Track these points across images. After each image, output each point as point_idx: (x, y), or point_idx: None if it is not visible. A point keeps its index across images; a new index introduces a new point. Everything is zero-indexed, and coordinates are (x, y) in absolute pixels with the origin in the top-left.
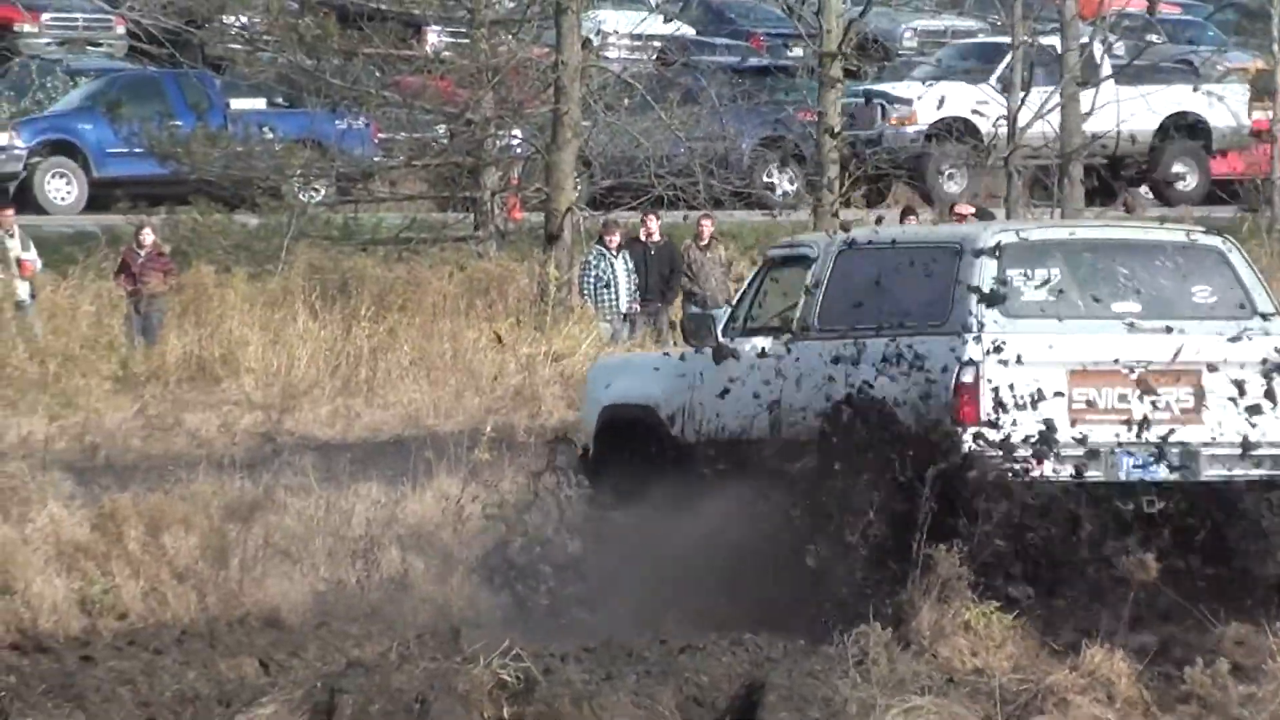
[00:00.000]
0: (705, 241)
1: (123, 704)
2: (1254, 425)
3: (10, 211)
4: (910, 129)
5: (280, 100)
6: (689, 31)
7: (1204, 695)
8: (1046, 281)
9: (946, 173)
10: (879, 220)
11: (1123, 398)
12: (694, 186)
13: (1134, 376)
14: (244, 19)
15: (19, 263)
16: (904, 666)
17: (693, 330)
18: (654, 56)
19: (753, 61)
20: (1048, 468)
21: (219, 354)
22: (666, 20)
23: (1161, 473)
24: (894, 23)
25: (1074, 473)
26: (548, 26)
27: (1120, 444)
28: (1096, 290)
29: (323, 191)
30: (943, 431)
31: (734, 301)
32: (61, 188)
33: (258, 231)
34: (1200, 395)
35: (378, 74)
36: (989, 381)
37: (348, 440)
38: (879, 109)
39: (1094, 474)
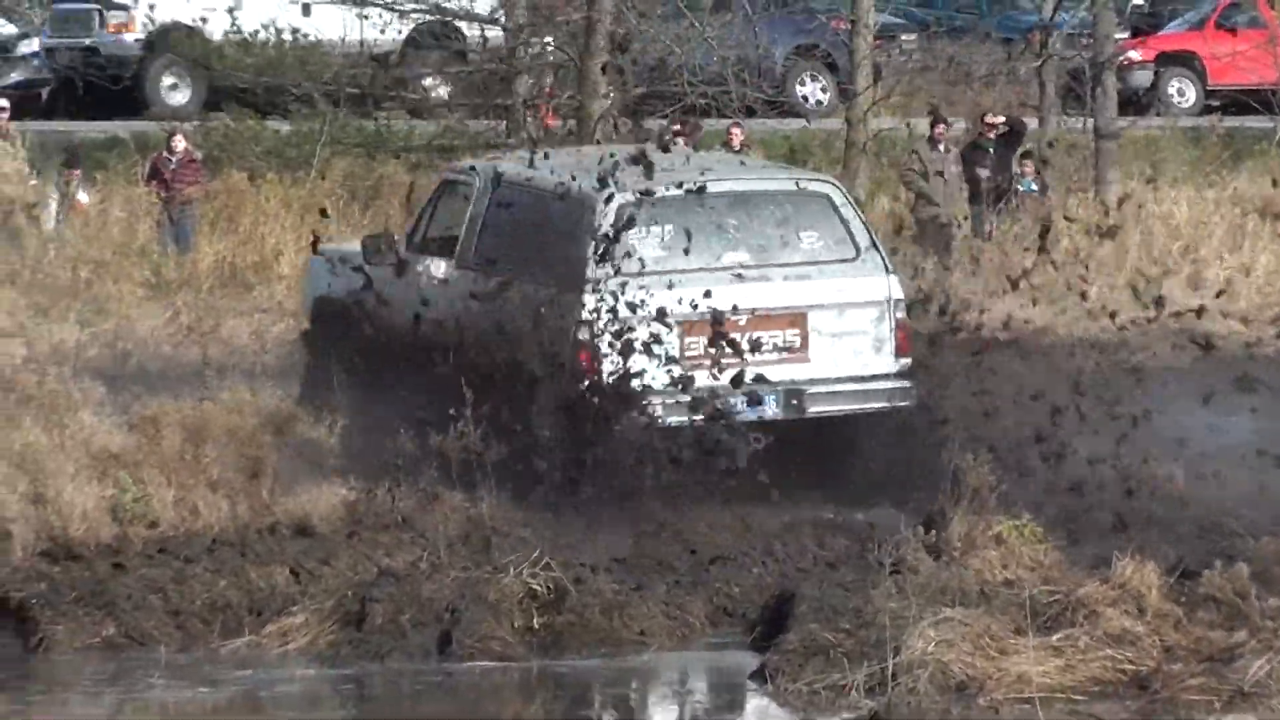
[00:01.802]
0: (736, 149)
1: (153, 612)
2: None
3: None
4: (129, 36)
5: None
6: None
7: (1223, 599)
8: (659, 236)
9: (168, 84)
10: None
11: (732, 344)
12: (726, 95)
13: (740, 323)
14: None
15: (74, 202)
16: (936, 578)
17: (373, 249)
18: None
19: None
20: (660, 410)
21: (251, 261)
22: None
23: (770, 412)
24: None
25: (688, 417)
26: None
27: (729, 387)
28: (707, 241)
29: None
30: (566, 380)
31: (415, 218)
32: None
33: (290, 138)
34: (805, 337)
35: None
36: (602, 335)
37: None
38: (97, 15)
39: (699, 417)
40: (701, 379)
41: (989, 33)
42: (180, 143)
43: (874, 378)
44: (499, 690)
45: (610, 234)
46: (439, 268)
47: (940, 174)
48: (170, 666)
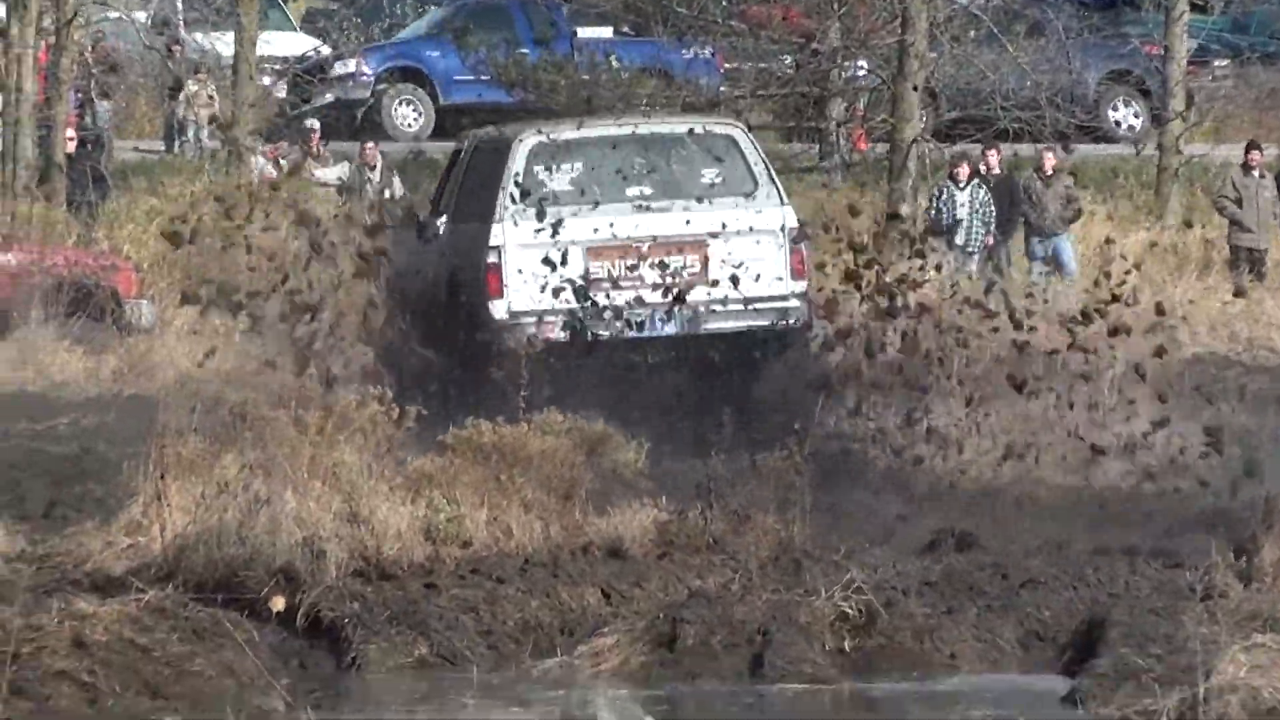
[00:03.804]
0: (1048, 173)
1: (465, 631)
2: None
3: (372, 145)
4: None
5: (626, 29)
6: None
7: None
8: (569, 174)
9: (402, 110)
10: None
11: (633, 268)
12: (1039, 120)
13: (643, 250)
14: None
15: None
16: (1247, 603)
17: (391, 215)
18: None
19: None
20: (557, 330)
21: None
22: None
23: (670, 329)
24: None
25: (588, 332)
26: None
27: (630, 306)
28: (613, 178)
29: None
30: (478, 305)
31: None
32: (408, 115)
33: None
34: (705, 262)
35: (724, 3)
36: (511, 263)
37: None
38: None
39: (604, 332)
40: (605, 299)
41: None
42: None
43: (769, 299)
44: (810, 712)
45: (520, 170)
46: (439, 224)
47: (1254, 200)
48: (482, 686)
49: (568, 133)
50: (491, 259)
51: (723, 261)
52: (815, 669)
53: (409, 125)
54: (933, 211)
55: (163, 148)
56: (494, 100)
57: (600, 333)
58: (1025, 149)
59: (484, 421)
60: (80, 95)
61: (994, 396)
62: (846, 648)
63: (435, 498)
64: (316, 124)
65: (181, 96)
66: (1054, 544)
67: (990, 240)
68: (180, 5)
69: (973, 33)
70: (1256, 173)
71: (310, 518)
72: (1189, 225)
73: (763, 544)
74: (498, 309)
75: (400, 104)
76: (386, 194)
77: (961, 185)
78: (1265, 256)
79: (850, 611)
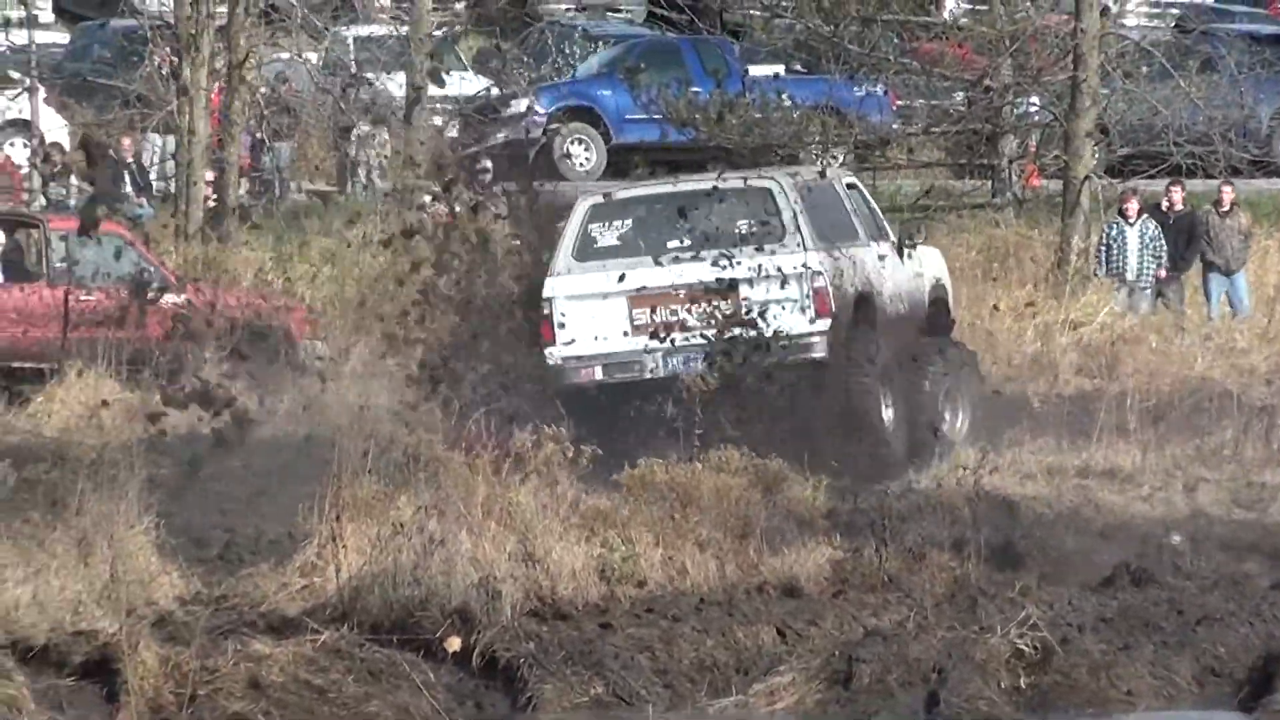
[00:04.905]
0: (1226, 208)
1: (641, 671)
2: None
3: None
4: None
5: (798, 67)
6: None
7: None
8: (618, 230)
9: (574, 150)
10: None
11: (674, 313)
12: (1212, 155)
13: (680, 296)
14: None
15: None
16: None
17: None
18: (1172, 24)
19: (1271, 29)
20: (599, 372)
21: None
22: None
23: (701, 367)
24: None
25: (631, 373)
26: None
27: (669, 349)
28: (656, 233)
29: (841, 158)
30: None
31: None
32: (580, 154)
33: None
34: (738, 306)
35: (896, 40)
36: (562, 311)
37: None
38: None
39: (631, 375)
40: (640, 343)
41: None
42: None
43: (795, 336)
44: None
45: (578, 228)
46: None
47: None
48: None
49: (624, 193)
50: (545, 310)
51: (752, 304)
52: (991, 706)
53: (581, 164)
54: (1103, 247)
55: (335, 189)
56: (666, 140)
57: (645, 375)
58: (1198, 184)
59: (657, 460)
60: (254, 137)
61: (1169, 431)
62: (1022, 685)
63: (610, 537)
64: (488, 163)
65: (353, 138)
66: (1229, 579)
67: (1162, 274)
68: (352, 47)
69: (1145, 69)
70: None
71: (485, 558)
72: None
73: (937, 581)
74: (552, 355)
75: (572, 143)
76: None
77: (1131, 221)
78: None
79: (1026, 648)
